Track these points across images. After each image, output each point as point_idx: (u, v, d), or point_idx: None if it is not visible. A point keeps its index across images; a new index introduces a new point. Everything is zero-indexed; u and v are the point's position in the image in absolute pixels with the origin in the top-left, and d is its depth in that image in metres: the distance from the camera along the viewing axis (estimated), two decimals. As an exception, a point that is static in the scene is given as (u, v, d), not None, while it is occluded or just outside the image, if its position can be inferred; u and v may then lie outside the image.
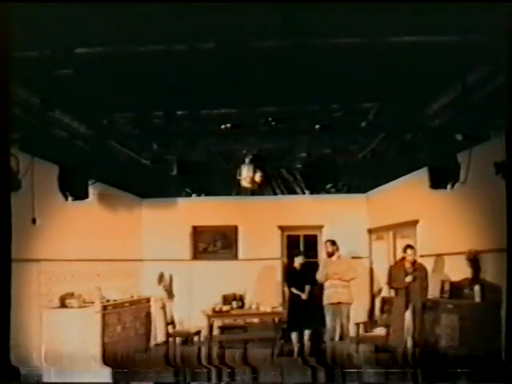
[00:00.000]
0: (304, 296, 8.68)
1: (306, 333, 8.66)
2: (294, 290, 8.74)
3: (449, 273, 7.73)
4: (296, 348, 8.38)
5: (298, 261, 9.03)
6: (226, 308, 9.55)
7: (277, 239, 11.41)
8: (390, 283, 8.59)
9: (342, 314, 8.74)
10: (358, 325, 9.13)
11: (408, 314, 7.92)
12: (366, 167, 8.30)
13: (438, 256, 8.15)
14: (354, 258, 9.79)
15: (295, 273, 8.93)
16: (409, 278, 7.94)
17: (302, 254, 9.44)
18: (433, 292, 7.84)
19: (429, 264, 8.28)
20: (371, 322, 9.66)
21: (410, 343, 7.76)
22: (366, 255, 10.96)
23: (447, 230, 7.77)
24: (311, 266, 9.37)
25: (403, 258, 8.21)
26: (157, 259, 10.64)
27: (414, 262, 8.08)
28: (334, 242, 9.04)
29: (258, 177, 7.51)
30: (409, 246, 8.28)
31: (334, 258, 8.98)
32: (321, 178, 9.58)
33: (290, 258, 9.74)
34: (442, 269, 8.01)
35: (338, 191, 10.71)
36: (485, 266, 6.79)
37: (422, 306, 7.78)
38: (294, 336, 8.67)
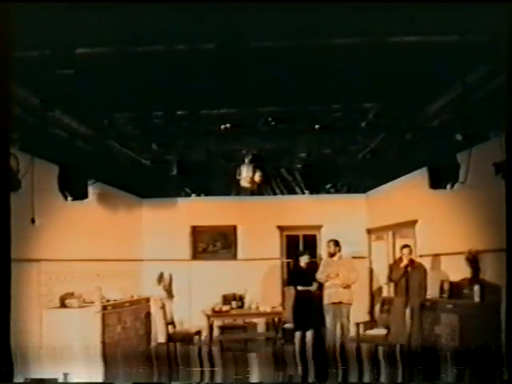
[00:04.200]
0: (313, 288, 8.63)
1: (309, 333, 8.63)
2: (300, 288, 8.68)
3: (448, 273, 7.74)
4: (298, 348, 8.36)
5: (304, 260, 8.99)
6: (225, 308, 9.55)
7: (276, 239, 11.41)
8: (389, 278, 8.69)
9: (343, 314, 8.74)
10: (357, 325, 9.13)
11: (407, 314, 7.95)
12: (365, 167, 8.31)
13: (438, 256, 8.16)
14: (354, 257, 9.78)
15: (302, 272, 8.88)
16: (404, 263, 8.05)
17: (306, 253, 9.36)
18: (432, 292, 7.85)
19: (428, 264, 8.30)
20: (371, 322, 9.67)
21: (408, 342, 7.79)
22: (366, 255, 10.96)
23: (447, 229, 7.78)
24: (314, 266, 9.34)
25: (400, 258, 8.32)
26: (157, 259, 10.64)
27: (411, 261, 8.17)
28: (336, 243, 9.02)
29: (257, 177, 7.51)
30: (405, 246, 8.40)
31: (336, 258, 8.98)
32: (320, 178, 9.58)
33: (296, 258, 9.69)
34: (441, 269, 8.02)
35: (338, 191, 10.72)
36: (484, 266, 6.80)
37: (421, 305, 7.82)
38: (297, 335, 8.63)
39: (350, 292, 8.83)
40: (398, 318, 8.06)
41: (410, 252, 8.26)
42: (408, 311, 7.96)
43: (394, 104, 5.51)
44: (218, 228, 11.38)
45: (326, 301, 8.76)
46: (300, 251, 9.81)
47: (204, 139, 6.73)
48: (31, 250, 6.99)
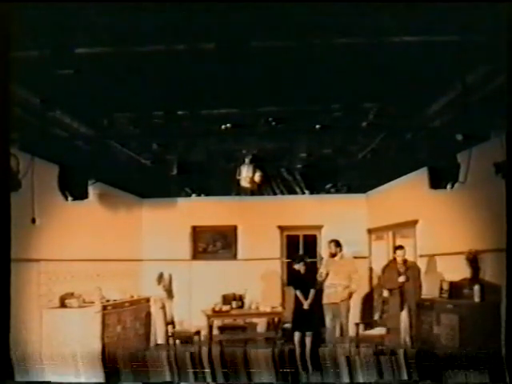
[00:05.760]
0: (306, 305, 8.50)
1: (308, 335, 8.58)
2: (298, 294, 8.62)
3: (448, 273, 7.73)
4: (297, 348, 8.34)
5: (298, 267, 8.86)
6: (225, 308, 9.55)
7: (276, 239, 11.41)
8: (383, 284, 8.64)
9: (341, 314, 8.74)
10: (357, 325, 9.13)
11: (404, 314, 7.96)
12: (365, 167, 8.31)
13: (438, 256, 8.16)
14: (354, 257, 9.77)
15: (299, 276, 8.81)
16: (402, 279, 8.06)
17: (300, 259, 9.03)
18: (432, 292, 7.85)
19: (428, 264, 8.30)
20: (371, 322, 9.67)
21: (407, 342, 7.79)
22: (366, 255, 10.96)
23: (447, 230, 7.78)
24: (315, 269, 9.26)
25: (394, 259, 8.31)
26: (157, 259, 10.64)
27: (405, 262, 8.17)
28: (337, 243, 8.99)
29: (257, 177, 7.51)
30: (399, 247, 8.40)
31: (337, 258, 8.97)
32: (321, 178, 9.58)
33: (293, 260, 9.58)
34: (441, 269, 8.02)
35: (338, 191, 10.72)
36: (484, 266, 6.80)
37: (417, 304, 7.83)
38: (296, 336, 8.59)
39: (351, 290, 8.82)
40: (394, 318, 8.07)
41: (404, 253, 8.25)
42: (404, 311, 7.96)
43: (394, 104, 5.51)
44: (218, 228, 11.38)
45: (325, 300, 8.76)
46: (296, 256, 9.69)
47: (204, 139, 6.73)
48: (31, 249, 6.99)
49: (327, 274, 8.81)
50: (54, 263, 7.63)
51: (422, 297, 7.94)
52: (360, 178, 9.66)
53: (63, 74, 4.44)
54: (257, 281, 10.79)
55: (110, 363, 6.29)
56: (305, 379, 6.44)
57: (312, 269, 9.08)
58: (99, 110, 5.61)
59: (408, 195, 9.08)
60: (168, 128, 6.08)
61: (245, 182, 7.52)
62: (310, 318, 8.51)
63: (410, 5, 3.65)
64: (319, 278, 8.88)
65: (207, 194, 10.86)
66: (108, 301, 8.56)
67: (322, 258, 10.09)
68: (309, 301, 8.45)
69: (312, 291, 8.52)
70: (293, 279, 9.00)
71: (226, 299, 10.15)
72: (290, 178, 9.33)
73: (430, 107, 5.60)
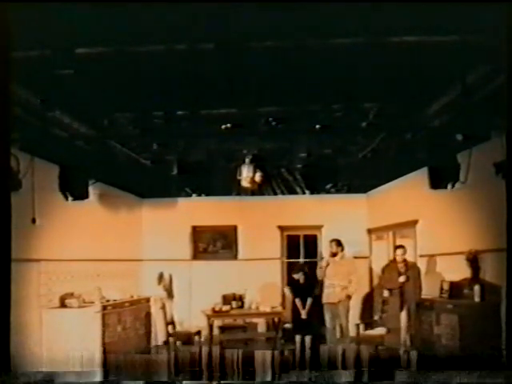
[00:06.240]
0: (304, 315, 8.51)
1: (308, 337, 8.57)
2: (297, 302, 8.62)
3: (448, 273, 7.73)
4: (298, 349, 8.33)
5: (297, 277, 8.84)
6: (225, 308, 9.55)
7: (276, 239, 11.41)
8: (383, 284, 8.62)
9: (341, 314, 8.73)
10: (357, 325, 9.13)
11: (404, 314, 7.96)
12: (365, 167, 8.31)
13: (438, 256, 8.16)
14: (354, 257, 9.76)
15: (298, 285, 8.79)
16: (402, 279, 8.05)
17: (299, 269, 9.05)
18: (432, 292, 7.85)
19: (428, 264, 8.30)
20: (371, 322, 9.67)
21: (407, 343, 7.79)
22: (366, 255, 10.96)
23: (447, 230, 7.78)
24: (314, 278, 9.20)
25: (394, 259, 8.30)
26: (157, 259, 10.64)
27: (405, 262, 8.16)
28: (338, 242, 8.98)
29: (258, 177, 7.51)
30: (399, 247, 8.39)
31: (338, 258, 8.96)
32: (321, 178, 9.58)
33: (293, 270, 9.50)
34: (441, 269, 8.02)
35: (338, 191, 10.73)
36: (484, 266, 6.80)
37: (417, 304, 7.84)
38: (297, 338, 8.59)
39: (348, 292, 8.81)
40: (394, 318, 8.07)
41: (404, 253, 8.24)
42: (404, 311, 7.96)
43: (393, 104, 5.51)
44: (219, 228, 11.38)
45: (324, 300, 8.76)
46: (296, 266, 9.65)
47: (204, 139, 6.73)
48: (31, 249, 6.99)
49: (327, 265, 8.77)
50: (53, 263, 7.63)
51: (422, 297, 7.93)
52: (360, 178, 9.67)
53: (63, 73, 4.44)
54: (257, 281, 10.79)
55: (109, 363, 6.29)
56: (304, 379, 6.43)
57: (311, 277, 8.99)
58: (99, 110, 5.61)
59: (408, 195, 9.08)
60: (168, 128, 6.08)
61: (246, 182, 7.52)
62: (308, 324, 8.52)
63: (411, 5, 3.65)
64: (319, 270, 8.85)
65: (207, 194, 10.87)
66: (108, 301, 8.56)
67: (322, 258, 10.09)
68: (306, 310, 8.48)
69: (309, 300, 8.53)
70: (292, 288, 8.95)
71: (226, 299, 10.14)
72: (290, 177, 9.34)
73: (430, 107, 5.60)
